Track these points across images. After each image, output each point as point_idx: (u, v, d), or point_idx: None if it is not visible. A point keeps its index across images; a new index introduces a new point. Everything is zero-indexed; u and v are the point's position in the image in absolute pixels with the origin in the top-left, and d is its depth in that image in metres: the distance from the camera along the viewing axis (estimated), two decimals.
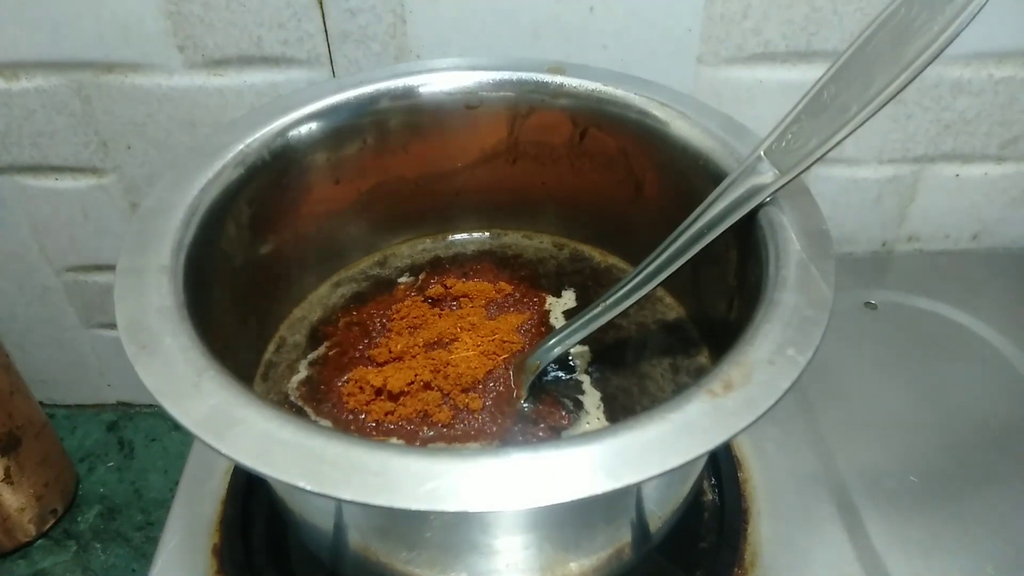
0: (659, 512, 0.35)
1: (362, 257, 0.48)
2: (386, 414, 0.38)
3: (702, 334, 0.43)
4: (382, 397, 0.38)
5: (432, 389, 0.39)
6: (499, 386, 0.39)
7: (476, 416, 0.38)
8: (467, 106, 0.44)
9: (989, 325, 0.53)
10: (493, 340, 0.41)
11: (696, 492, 0.42)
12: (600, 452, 0.24)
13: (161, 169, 0.57)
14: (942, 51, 0.27)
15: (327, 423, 0.38)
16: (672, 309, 0.45)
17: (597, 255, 0.48)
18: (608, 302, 0.37)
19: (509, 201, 0.48)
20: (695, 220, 0.35)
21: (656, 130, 0.41)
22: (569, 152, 0.45)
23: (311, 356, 0.42)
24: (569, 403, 0.39)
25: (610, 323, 0.38)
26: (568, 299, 0.45)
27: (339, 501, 0.23)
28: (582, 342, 0.39)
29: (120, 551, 0.63)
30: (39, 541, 0.63)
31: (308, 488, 0.23)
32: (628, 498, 0.32)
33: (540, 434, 0.37)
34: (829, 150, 0.31)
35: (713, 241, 0.34)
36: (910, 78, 0.28)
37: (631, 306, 0.37)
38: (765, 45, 0.51)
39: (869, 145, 0.57)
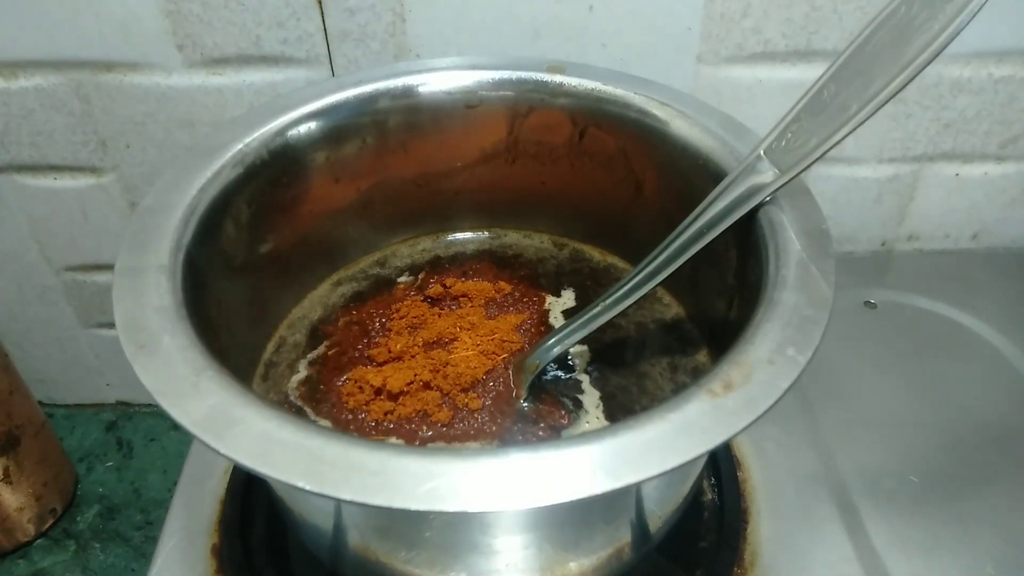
0: (659, 512, 0.35)
1: (361, 256, 0.48)
2: (385, 414, 0.38)
3: (701, 333, 0.43)
4: (381, 397, 0.38)
5: (431, 389, 0.39)
6: (498, 386, 0.39)
7: (476, 416, 0.38)
8: (467, 105, 0.44)
9: (989, 325, 0.53)
10: (492, 340, 0.41)
11: (696, 492, 0.42)
12: (600, 452, 0.24)
13: (160, 168, 0.57)
14: (942, 50, 0.27)
15: (326, 423, 0.38)
16: (671, 308, 0.44)
17: (597, 255, 0.48)
18: (607, 302, 0.37)
19: (508, 200, 0.48)
20: (695, 219, 0.35)
21: (656, 129, 0.41)
22: (569, 151, 0.45)
23: (310, 356, 0.42)
24: (568, 402, 0.39)
25: (609, 322, 0.38)
26: (567, 299, 0.45)
27: (338, 501, 0.23)
28: (581, 341, 0.39)
29: (119, 551, 0.63)
30: (38, 541, 0.63)
31: (307, 488, 0.23)
32: (628, 498, 0.32)
33: (540, 434, 0.37)
34: (829, 149, 0.31)
35: (713, 240, 0.34)
36: (910, 77, 0.28)
37: (631, 306, 0.37)
38: (765, 44, 0.51)
39: (869, 144, 0.57)
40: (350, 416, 0.38)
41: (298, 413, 0.38)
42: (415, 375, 0.39)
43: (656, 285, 0.36)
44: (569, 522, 0.32)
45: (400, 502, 0.23)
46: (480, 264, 0.47)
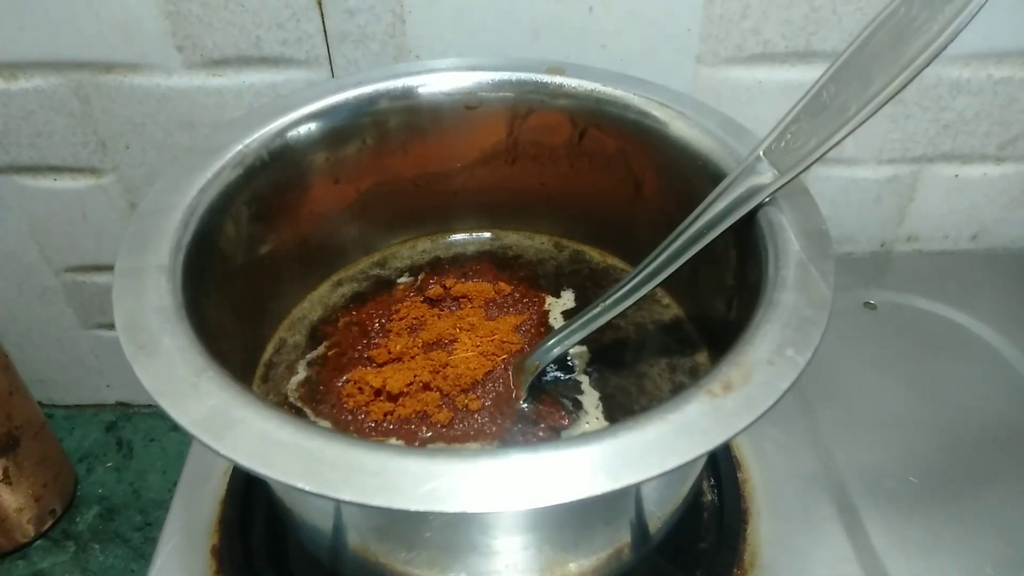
0: (658, 512, 0.35)
1: (361, 257, 0.48)
2: (385, 415, 0.38)
3: (701, 334, 0.43)
4: (381, 398, 0.38)
5: (431, 390, 0.39)
6: (498, 386, 0.39)
7: (475, 416, 0.38)
8: (466, 106, 0.44)
9: (988, 325, 0.53)
10: (492, 340, 0.41)
11: (695, 492, 0.42)
12: (600, 452, 0.24)
13: (160, 169, 0.57)
14: (942, 51, 0.27)
15: (326, 424, 0.38)
16: (671, 309, 0.44)
17: (596, 255, 0.48)
18: (607, 302, 0.37)
19: (508, 201, 0.48)
20: (694, 220, 0.35)
21: (655, 130, 0.41)
22: (568, 152, 0.45)
23: (310, 356, 0.42)
24: (568, 403, 0.39)
25: (609, 323, 0.38)
26: (567, 299, 0.45)
27: (338, 502, 0.23)
28: (581, 342, 0.39)
29: (119, 551, 0.63)
30: (38, 542, 0.63)
31: (307, 489, 0.23)
32: (627, 499, 0.32)
33: (539, 434, 0.37)
34: (828, 150, 0.31)
35: (712, 241, 0.34)
36: (909, 78, 0.28)
37: (630, 306, 0.37)
38: (764, 45, 0.51)
39: (868, 145, 0.57)
40: (350, 417, 0.38)
41: (298, 414, 0.38)
42: (415, 376, 0.39)
43: (656, 286, 0.36)
44: (569, 523, 0.32)
45: (400, 503, 0.23)
46: (480, 265, 0.47)
